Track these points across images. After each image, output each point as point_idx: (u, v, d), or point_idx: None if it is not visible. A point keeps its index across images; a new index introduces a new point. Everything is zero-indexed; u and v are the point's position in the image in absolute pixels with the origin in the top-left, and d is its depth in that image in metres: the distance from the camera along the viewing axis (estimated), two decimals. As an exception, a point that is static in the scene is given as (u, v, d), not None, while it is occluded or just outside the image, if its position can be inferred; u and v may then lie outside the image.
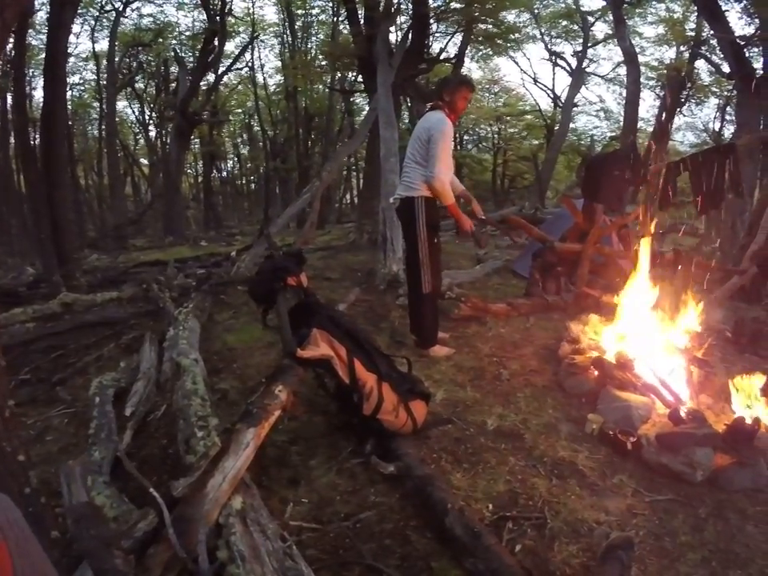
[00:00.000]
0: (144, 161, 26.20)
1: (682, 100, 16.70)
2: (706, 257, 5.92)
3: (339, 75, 17.68)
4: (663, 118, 15.97)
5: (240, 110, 24.57)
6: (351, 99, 18.93)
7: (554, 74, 21.02)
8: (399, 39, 11.31)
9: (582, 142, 20.50)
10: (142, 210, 19.86)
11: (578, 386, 3.32)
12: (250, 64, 20.84)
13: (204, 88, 18.07)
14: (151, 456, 2.58)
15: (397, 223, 5.18)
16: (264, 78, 22.40)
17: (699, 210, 5.31)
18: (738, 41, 9.59)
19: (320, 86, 18.54)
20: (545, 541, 2.07)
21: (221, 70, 18.41)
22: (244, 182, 30.08)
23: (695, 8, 11.90)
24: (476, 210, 3.98)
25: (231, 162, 29.84)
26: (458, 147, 21.79)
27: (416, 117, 17.35)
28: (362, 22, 10.42)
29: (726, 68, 11.91)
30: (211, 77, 18.39)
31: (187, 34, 18.63)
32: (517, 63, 23.99)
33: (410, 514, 2.16)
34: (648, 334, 3.45)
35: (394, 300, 4.89)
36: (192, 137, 19.15)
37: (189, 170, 28.69)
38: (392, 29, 11.60)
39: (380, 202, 6.11)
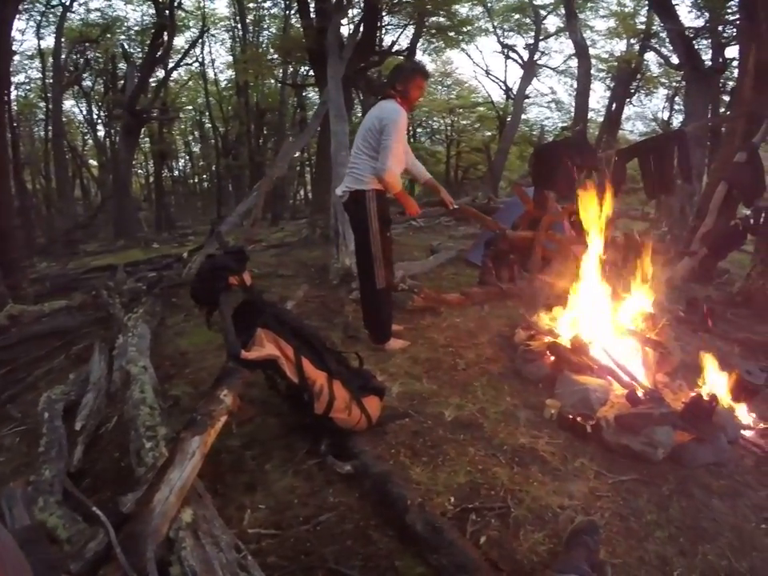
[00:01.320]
0: (93, 162, 25.21)
1: (632, 91, 17.22)
2: (656, 240, 6.06)
3: (291, 69, 17.41)
4: (613, 108, 16.57)
5: (191, 107, 23.93)
6: (304, 93, 18.70)
7: (506, 66, 21.41)
8: (351, 32, 11.18)
9: (534, 133, 20.88)
10: (92, 214, 19.08)
11: (534, 372, 3.32)
12: (200, 59, 20.32)
13: (153, 85, 17.47)
14: (105, 471, 2.48)
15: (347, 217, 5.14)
16: (215, 74, 21.90)
17: (649, 195, 5.45)
18: (688, 33, 9.93)
19: (272, 81, 18.21)
20: (509, 530, 2.03)
21: (170, 65, 17.82)
22: (196, 180, 29.37)
23: (646, 2, 12.23)
24: (446, 201, 3.91)
25: (183, 160, 29.08)
26: (412, 140, 21.87)
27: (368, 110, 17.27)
28: (313, 14, 10.25)
29: (675, 60, 12.33)
30: (161, 73, 17.80)
31: (136, 28, 17.97)
32: (469, 56, 24.43)
33: (371, 512, 2.11)
34: (602, 318, 3.47)
35: (347, 294, 4.83)
36: (141, 135, 18.49)
37: (140, 170, 27.80)
38: (344, 21, 11.44)
39: (331, 196, 6.01)
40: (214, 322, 2.75)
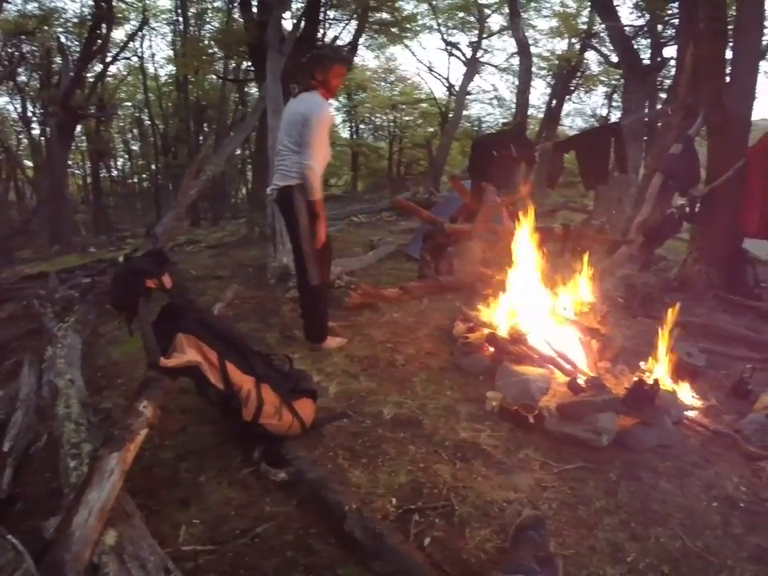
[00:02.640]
0: (28, 162, 23.74)
1: (572, 88, 17.79)
2: (595, 231, 6.19)
3: (234, 65, 16.97)
4: (553, 105, 17.08)
5: (129, 103, 22.94)
6: (246, 89, 18.28)
7: (449, 63, 21.70)
8: (292, 26, 10.96)
9: (476, 129, 21.22)
10: (27, 218, 17.92)
11: (474, 365, 3.28)
12: (139, 53, 19.47)
13: (91, 80, 16.59)
14: (37, 493, 2.31)
15: None
16: (155, 69, 21.05)
17: (586, 185, 5.56)
18: (628, 32, 10.30)
19: (213, 77, 17.70)
20: (455, 529, 1.97)
21: (108, 59, 16.97)
22: (136, 180, 28.23)
23: (588, 2, 12.60)
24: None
25: (121, 159, 27.87)
26: (354, 136, 21.88)
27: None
28: (255, 8, 10.00)
29: (614, 58, 12.77)
30: (99, 68, 16.91)
31: (75, 20, 16.99)
32: (413, 53, 24.52)
33: (310, 520, 2.02)
34: (540, 307, 3.48)
35: (284, 294, 4.72)
36: (77, 133, 17.55)
37: (77, 171, 26.43)
38: (286, 16, 11.19)
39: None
40: (136, 328, 2.57)
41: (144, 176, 27.17)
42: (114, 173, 27.24)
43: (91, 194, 22.22)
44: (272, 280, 5.09)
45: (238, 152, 15.59)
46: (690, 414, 2.97)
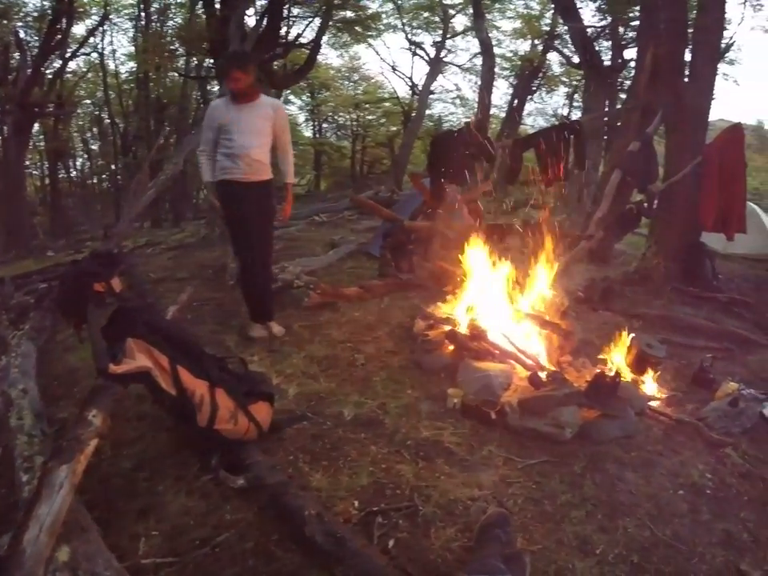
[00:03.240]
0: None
1: (534, 88, 18.11)
2: (555, 227, 6.27)
3: (196, 62, 16.62)
4: (515, 105, 17.37)
5: (89, 101, 22.20)
6: (208, 87, 17.96)
7: (412, 62, 21.82)
8: (255, 23, 10.80)
9: (437, 127, 21.36)
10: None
11: (434, 362, 3.25)
12: (100, 49, 18.83)
13: (49, 77, 15.96)
14: None
15: None
16: (116, 65, 20.42)
17: (545, 183, 5.62)
18: (590, 34, 10.54)
19: (174, 74, 17.29)
20: (419, 530, 1.94)
21: (68, 55, 16.36)
22: (95, 181, 27.37)
23: (552, 4, 12.82)
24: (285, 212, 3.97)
25: (81, 159, 26.95)
26: (317, 135, 21.80)
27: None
28: (218, 4, 9.79)
29: (576, 59, 13.03)
30: (58, 64, 16.28)
31: (35, 14, 16.32)
32: (377, 52, 24.58)
33: (271, 527, 1.97)
34: (501, 303, 3.48)
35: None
36: (34, 132, 16.88)
37: (34, 172, 25.42)
38: (249, 12, 11.02)
39: None
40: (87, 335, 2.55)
41: (104, 176, 26.35)
42: (73, 173, 26.32)
43: (49, 195, 21.39)
44: (231, 281, 4.97)
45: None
46: (653, 404, 3.01)
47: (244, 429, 2.32)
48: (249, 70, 3.41)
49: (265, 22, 10.20)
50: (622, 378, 2.76)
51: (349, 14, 13.64)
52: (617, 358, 3.17)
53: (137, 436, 2.55)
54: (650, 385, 3.15)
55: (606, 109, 11.04)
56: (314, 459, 2.34)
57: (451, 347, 3.25)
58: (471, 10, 14.61)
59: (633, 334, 3.27)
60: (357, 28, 14.35)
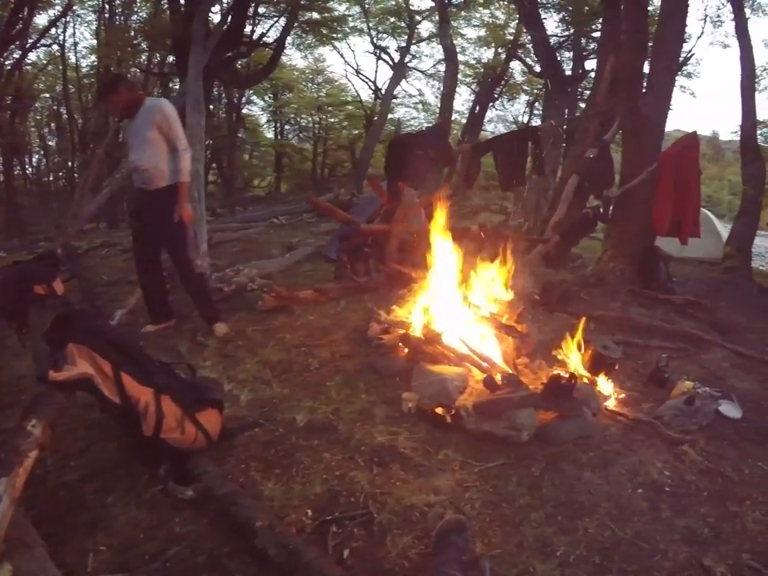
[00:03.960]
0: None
1: (496, 96, 18.41)
2: (512, 231, 6.34)
3: (158, 58, 16.22)
4: (477, 111, 17.63)
5: (48, 95, 21.33)
6: (170, 84, 17.54)
7: (377, 66, 21.89)
8: (219, 20, 10.61)
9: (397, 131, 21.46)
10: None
11: (389, 366, 3.20)
12: (60, 41, 18.08)
13: (8, 68, 15.21)
14: None
15: (200, 216, 5.12)
16: (76, 59, 19.67)
17: (503, 187, 5.69)
18: (551, 45, 10.78)
19: (136, 70, 16.81)
20: (375, 538, 1.89)
21: (28, 45, 15.62)
22: (51, 178, 26.32)
23: (517, 14, 13.06)
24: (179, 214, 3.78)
25: (37, 156, 25.87)
26: (279, 137, 21.62)
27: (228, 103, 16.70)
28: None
29: (538, 68, 13.31)
30: (17, 55, 15.52)
31: None
32: (341, 55, 24.54)
33: (223, 539, 1.90)
34: (456, 306, 3.45)
35: None
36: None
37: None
38: (215, 9, 10.82)
39: None
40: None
41: (60, 174, 25.35)
42: (29, 170, 25.21)
43: (3, 192, 20.41)
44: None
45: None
46: (610, 404, 3.04)
47: (192, 437, 2.24)
48: (119, 90, 3.53)
49: (229, 20, 10.02)
50: (577, 380, 2.77)
51: (315, 15, 13.56)
52: (573, 360, 3.19)
53: (84, 446, 2.44)
54: (606, 385, 3.17)
55: (566, 117, 11.29)
56: (266, 467, 2.26)
57: (406, 351, 3.21)
58: (437, 17, 14.76)
59: (588, 336, 3.29)
60: (322, 30, 14.26)
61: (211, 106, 15.73)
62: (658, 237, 5.83)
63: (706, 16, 12.48)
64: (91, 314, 2.83)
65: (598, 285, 5.43)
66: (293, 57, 20.60)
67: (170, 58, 15.45)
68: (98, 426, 2.58)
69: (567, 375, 2.72)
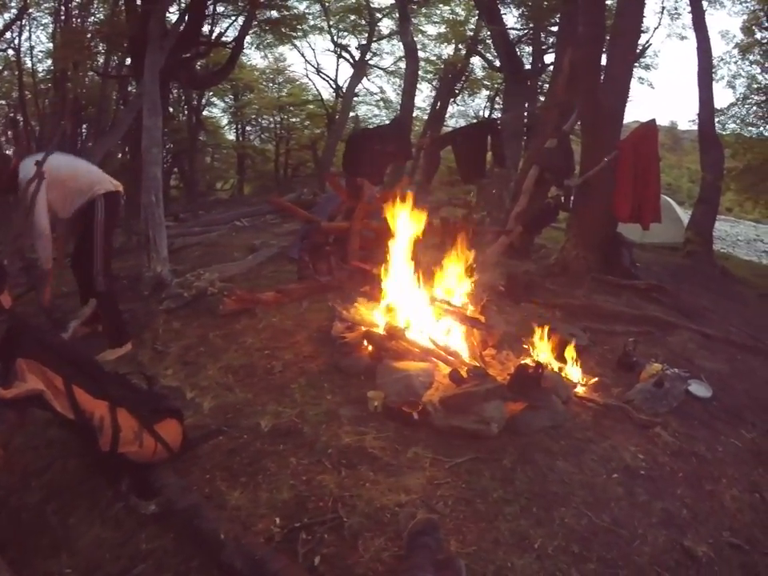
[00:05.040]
0: None
1: (457, 91, 18.49)
2: (475, 223, 6.33)
3: (117, 60, 15.76)
4: (438, 107, 17.72)
5: (3, 102, 20.46)
6: (129, 87, 17.07)
7: (337, 65, 21.69)
8: (176, 20, 10.34)
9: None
10: None
11: (353, 365, 3.13)
12: (15, 45, 17.32)
13: None
14: None
15: (159, 221, 4.97)
16: (32, 63, 18.89)
17: (463, 179, 5.68)
18: (511, 40, 10.91)
19: (93, 73, 16.30)
20: (346, 543, 1.84)
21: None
22: (8, 188, 25.31)
23: (477, 11, 13.13)
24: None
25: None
26: (240, 138, 21.35)
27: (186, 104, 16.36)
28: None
29: (498, 63, 13.44)
30: None
31: None
32: (302, 54, 24.32)
33: (189, 553, 1.83)
34: (419, 301, 3.42)
35: (158, 305, 4.36)
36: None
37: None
38: (172, 8, 10.53)
39: (142, 198, 5.47)
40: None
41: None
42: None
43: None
44: (145, 291, 4.70)
45: (119, 155, 14.45)
46: (579, 391, 3.05)
47: (151, 450, 2.15)
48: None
49: (187, 19, 9.79)
50: (544, 369, 2.76)
51: (274, 13, 13.35)
52: (539, 349, 3.19)
53: (45, 465, 2.35)
54: (574, 372, 3.18)
55: (526, 111, 11.43)
56: (231, 476, 2.18)
57: (369, 348, 3.15)
58: (398, 14, 14.76)
59: (555, 324, 3.29)
60: (282, 29, 14.04)
61: (171, 109, 15.40)
62: (620, 224, 5.92)
63: (663, 8, 12.79)
64: (41, 328, 2.68)
65: (562, 273, 5.48)
66: (253, 57, 20.30)
67: (128, 60, 15.06)
68: (58, 443, 2.48)
69: (534, 365, 2.71)
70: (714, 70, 10.38)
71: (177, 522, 1.93)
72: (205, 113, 19.01)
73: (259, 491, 2.08)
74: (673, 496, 2.25)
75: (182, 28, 9.36)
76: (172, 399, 2.45)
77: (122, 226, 8.50)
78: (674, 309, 4.97)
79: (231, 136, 21.79)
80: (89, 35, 14.03)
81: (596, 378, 3.22)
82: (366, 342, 3.16)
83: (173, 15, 10.55)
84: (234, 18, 12.79)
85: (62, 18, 16.11)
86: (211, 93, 18.08)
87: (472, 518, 1.97)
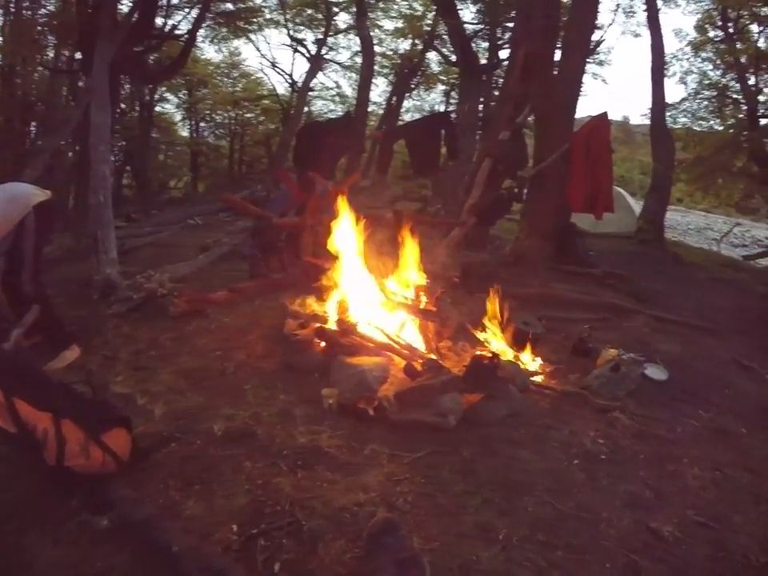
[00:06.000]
0: None
1: (413, 86, 18.54)
2: (430, 216, 6.35)
3: (67, 54, 15.11)
4: (394, 101, 17.73)
5: None
6: (80, 84, 16.38)
7: (293, 59, 21.32)
8: (128, 12, 9.97)
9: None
10: None
11: (307, 362, 3.08)
12: None
13: None
14: None
15: (108, 221, 4.83)
16: None
17: (416, 172, 5.67)
18: (467, 35, 11.00)
19: (41, 68, 15.57)
20: (306, 547, 1.77)
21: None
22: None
23: (434, 6, 13.16)
24: None
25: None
26: (194, 134, 20.88)
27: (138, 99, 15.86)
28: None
29: (454, 58, 13.53)
30: None
31: None
32: (257, 48, 23.83)
33: (148, 568, 1.74)
34: (372, 295, 3.38)
35: (107, 309, 4.18)
36: None
37: None
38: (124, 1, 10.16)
39: (90, 198, 5.29)
40: None
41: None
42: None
43: None
44: (95, 295, 4.51)
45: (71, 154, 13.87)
46: (536, 379, 3.07)
47: (99, 462, 2.05)
48: None
49: (138, 11, 9.45)
50: (500, 358, 2.76)
51: (229, 6, 13.06)
52: (495, 339, 3.20)
53: None
54: (531, 361, 3.21)
55: (481, 105, 11.56)
56: (185, 484, 2.09)
57: (322, 345, 3.10)
58: (355, 8, 14.67)
59: (510, 313, 3.31)
60: (238, 22, 13.76)
61: (123, 105, 14.88)
62: (574, 214, 6.04)
63: (618, 6, 13.13)
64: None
65: (517, 263, 5.56)
66: (208, 51, 19.80)
67: (79, 54, 14.45)
68: (10, 460, 2.31)
69: (489, 355, 2.72)
70: (666, 67, 10.90)
71: (132, 536, 1.84)
72: (158, 109, 18.41)
73: (215, 498, 2.00)
74: (635, 478, 2.27)
75: (134, 20, 9.08)
76: (119, 407, 2.34)
77: (71, 229, 8.18)
78: (629, 294, 5.10)
79: (185, 132, 21.21)
80: (38, 28, 13.44)
81: (553, 366, 3.26)
82: (318, 339, 3.10)
83: (125, 7, 10.23)
84: (187, 10, 12.44)
85: (12, 9, 15.36)
86: (164, 88, 17.54)
87: (434, 512, 1.94)
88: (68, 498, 2.02)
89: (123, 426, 2.19)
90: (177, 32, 12.10)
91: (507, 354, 3.11)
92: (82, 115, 8.10)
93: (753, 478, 2.50)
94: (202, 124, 21.21)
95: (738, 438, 2.87)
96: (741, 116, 10.41)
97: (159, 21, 11.45)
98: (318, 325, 3.18)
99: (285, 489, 2.02)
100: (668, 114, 10.62)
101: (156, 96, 17.36)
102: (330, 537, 1.80)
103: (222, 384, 2.96)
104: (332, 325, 3.18)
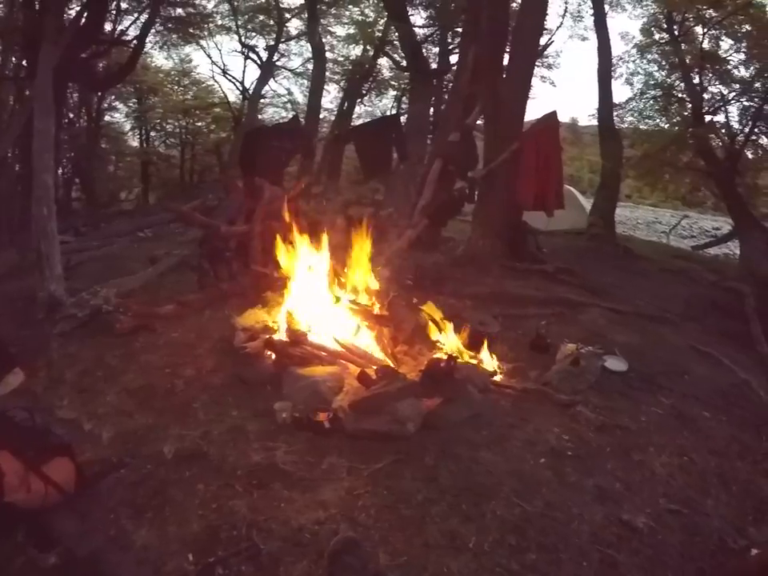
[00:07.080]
0: None
1: (364, 92, 18.58)
2: (382, 219, 6.30)
3: (15, 60, 14.44)
4: (345, 107, 17.72)
5: None
6: (27, 92, 15.68)
7: (244, 66, 20.94)
8: (74, 15, 9.59)
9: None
10: None
11: (257, 376, 2.98)
12: None
13: None
14: None
15: (52, 235, 4.58)
16: None
17: (366, 175, 5.63)
18: (417, 40, 11.12)
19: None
20: (266, 572, 1.71)
21: None
22: None
23: (385, 13, 13.21)
24: None
25: None
26: (144, 144, 20.34)
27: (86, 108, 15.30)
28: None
29: (404, 64, 13.62)
30: None
31: None
32: (208, 54, 23.52)
33: None
34: (323, 302, 3.31)
35: (52, 328, 3.95)
36: None
37: None
38: (72, 3, 9.75)
39: (33, 210, 4.99)
40: None
41: None
42: None
43: None
44: (40, 314, 4.25)
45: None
46: (496, 378, 3.06)
47: (41, 494, 1.92)
48: None
49: (86, 15, 9.11)
50: (456, 361, 2.74)
51: (180, 11, 12.74)
52: (450, 341, 3.17)
53: None
54: (490, 360, 3.19)
55: (432, 109, 11.68)
56: (136, 512, 1.97)
57: (273, 356, 3.00)
58: (306, 15, 14.58)
59: (464, 314, 3.29)
60: (188, 28, 13.43)
61: (71, 114, 14.30)
62: (526, 212, 6.12)
63: (566, 10, 13.47)
64: None
65: (470, 263, 5.54)
66: (158, 58, 19.24)
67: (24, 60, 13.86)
68: None
69: (446, 358, 2.68)
70: (613, 69, 11.22)
71: (81, 571, 1.74)
72: (107, 118, 17.81)
73: (167, 526, 1.90)
74: (603, 471, 2.27)
75: (81, 24, 8.76)
76: (61, 434, 2.19)
77: (16, 243, 7.78)
78: (583, 288, 5.19)
79: (135, 142, 20.59)
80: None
81: (512, 364, 3.26)
82: (268, 350, 3.00)
83: (72, 10, 9.85)
84: (137, 14, 12.07)
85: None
86: (113, 97, 16.98)
87: (398, 525, 1.89)
88: (12, 534, 1.87)
89: (65, 455, 2.06)
90: (125, 37, 11.75)
91: (464, 355, 3.09)
92: (26, 122, 7.73)
93: (719, 460, 2.56)
94: (153, 133, 20.63)
95: (700, 423, 2.93)
96: (686, 113, 10.81)
97: (108, 26, 11.10)
98: (267, 336, 3.07)
99: (240, 511, 1.94)
100: (615, 113, 11.04)
101: (105, 105, 16.80)
102: (291, 560, 1.73)
103: (171, 402, 2.83)
104: (282, 335, 3.08)
